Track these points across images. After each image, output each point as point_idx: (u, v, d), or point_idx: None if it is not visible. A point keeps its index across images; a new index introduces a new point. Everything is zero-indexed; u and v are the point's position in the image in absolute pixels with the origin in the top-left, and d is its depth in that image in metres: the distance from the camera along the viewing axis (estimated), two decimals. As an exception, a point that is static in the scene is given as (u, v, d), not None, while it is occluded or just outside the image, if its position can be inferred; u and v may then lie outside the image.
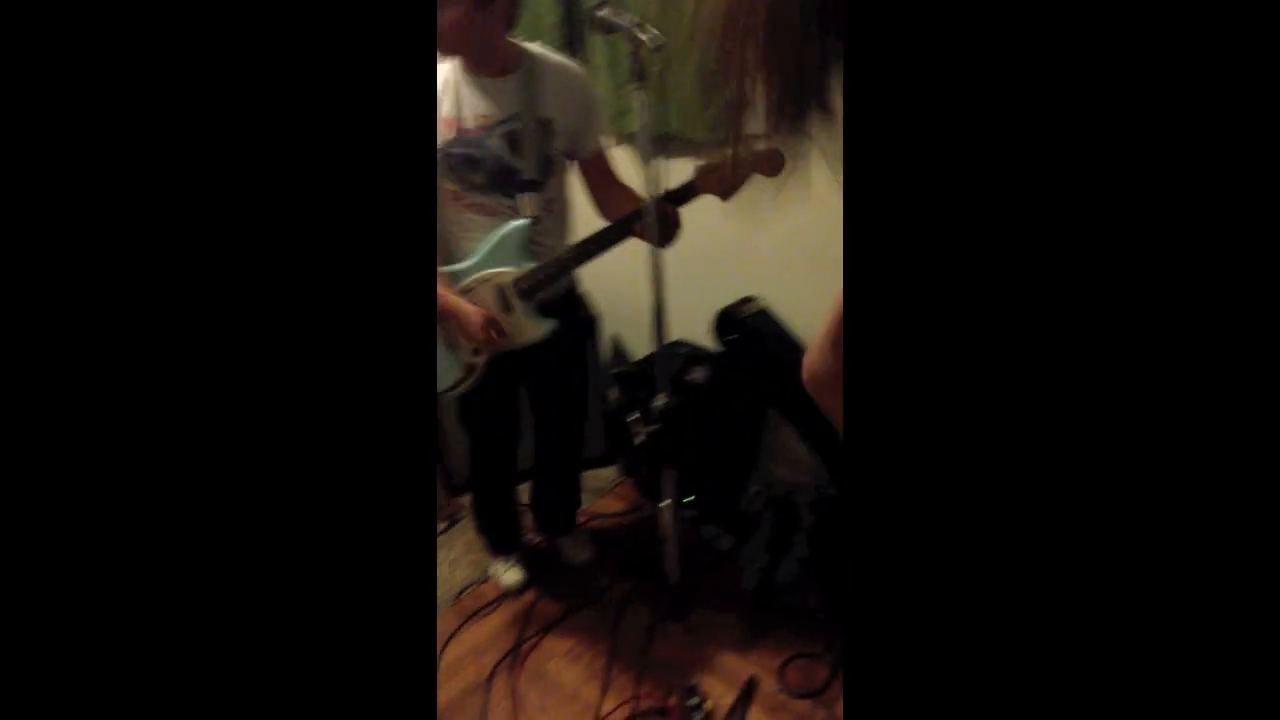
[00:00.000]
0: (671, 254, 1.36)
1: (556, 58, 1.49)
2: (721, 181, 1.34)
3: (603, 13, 1.16)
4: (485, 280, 1.50)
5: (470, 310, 1.48)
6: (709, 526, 2.03)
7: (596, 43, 2.17)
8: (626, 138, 2.23)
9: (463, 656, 1.78)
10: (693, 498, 2.03)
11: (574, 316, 1.70)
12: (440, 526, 2.23)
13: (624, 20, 1.14)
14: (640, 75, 1.14)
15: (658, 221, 1.27)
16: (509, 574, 1.96)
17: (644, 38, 1.11)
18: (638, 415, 1.59)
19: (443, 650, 1.80)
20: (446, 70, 1.44)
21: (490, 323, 1.49)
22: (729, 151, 1.27)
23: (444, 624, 1.88)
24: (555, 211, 1.55)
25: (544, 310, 1.55)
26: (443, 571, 2.07)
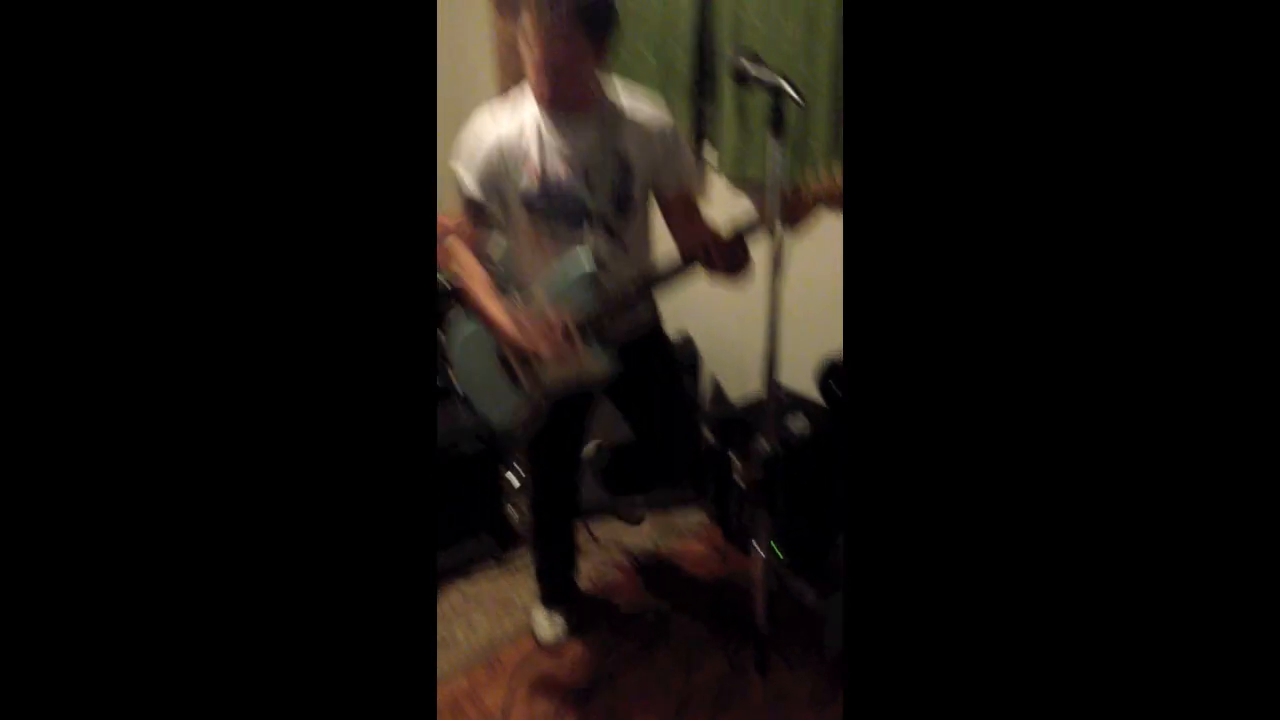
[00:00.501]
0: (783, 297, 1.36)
1: (639, 100, 1.49)
2: (790, 210, 1.33)
3: (746, 68, 1.20)
4: (549, 315, 1.52)
5: (529, 327, 1.47)
6: (796, 579, 1.97)
7: (726, 92, 2.22)
8: (745, 183, 2.26)
9: (536, 682, 1.78)
10: (781, 549, 1.98)
11: (658, 348, 1.71)
12: (524, 553, 2.25)
13: (771, 77, 1.17)
14: (779, 127, 1.17)
15: (726, 255, 1.33)
16: (549, 628, 1.92)
17: (793, 95, 1.14)
18: (736, 459, 1.58)
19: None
20: (525, 115, 1.46)
21: (550, 335, 1.46)
22: (802, 182, 1.32)
23: (521, 650, 1.89)
24: (631, 250, 1.54)
25: (622, 348, 1.55)
26: (524, 598, 2.08)
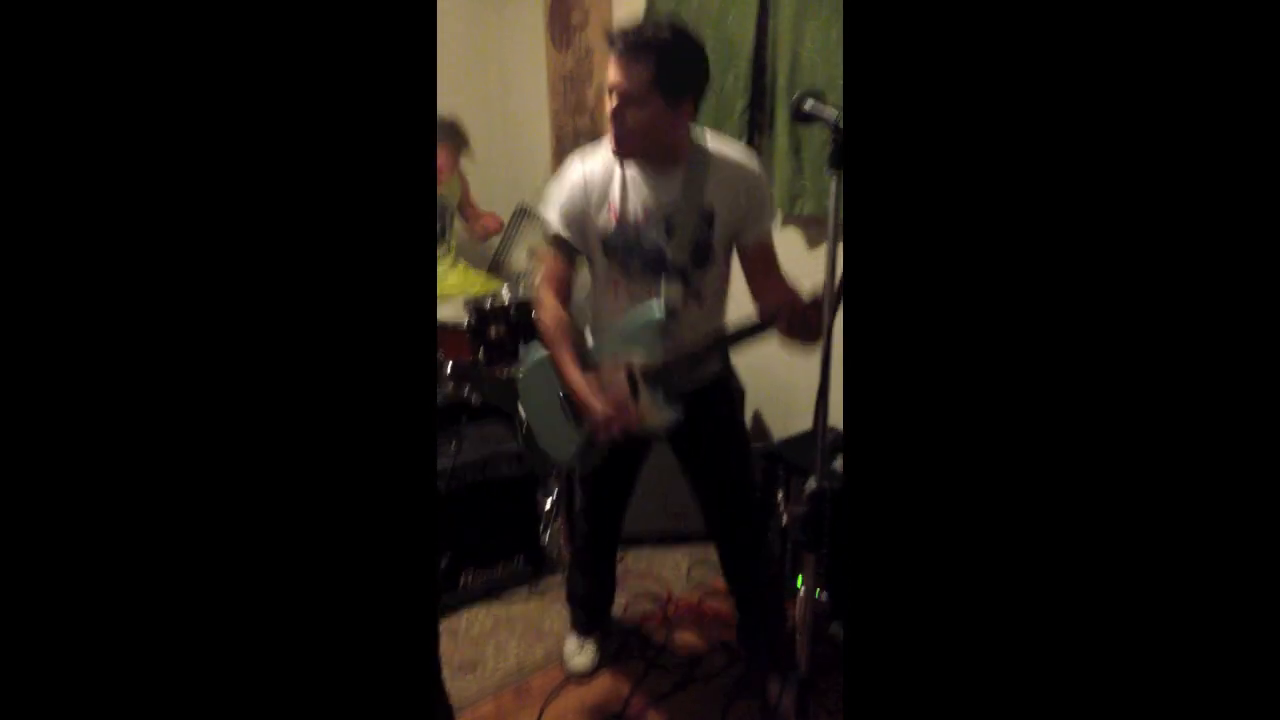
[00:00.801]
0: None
1: (730, 150, 1.49)
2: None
3: (808, 106, 1.21)
4: (615, 362, 1.51)
5: (595, 394, 1.48)
6: (840, 623, 1.92)
7: (781, 128, 2.23)
8: (794, 219, 2.26)
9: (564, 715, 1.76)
10: (824, 590, 1.94)
11: (724, 401, 1.66)
12: (558, 580, 2.24)
13: (832, 114, 1.17)
14: (839, 164, 1.16)
15: (801, 321, 1.31)
16: (580, 657, 1.89)
17: None
18: (782, 496, 1.55)
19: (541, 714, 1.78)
20: (611, 158, 1.47)
21: (614, 407, 1.47)
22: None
23: (551, 679, 1.87)
24: (706, 301, 1.53)
25: (685, 397, 1.52)
26: (556, 626, 2.06)
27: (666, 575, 2.24)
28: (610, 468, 1.67)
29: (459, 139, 2.81)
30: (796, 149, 2.19)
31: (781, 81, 2.19)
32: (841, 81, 2.01)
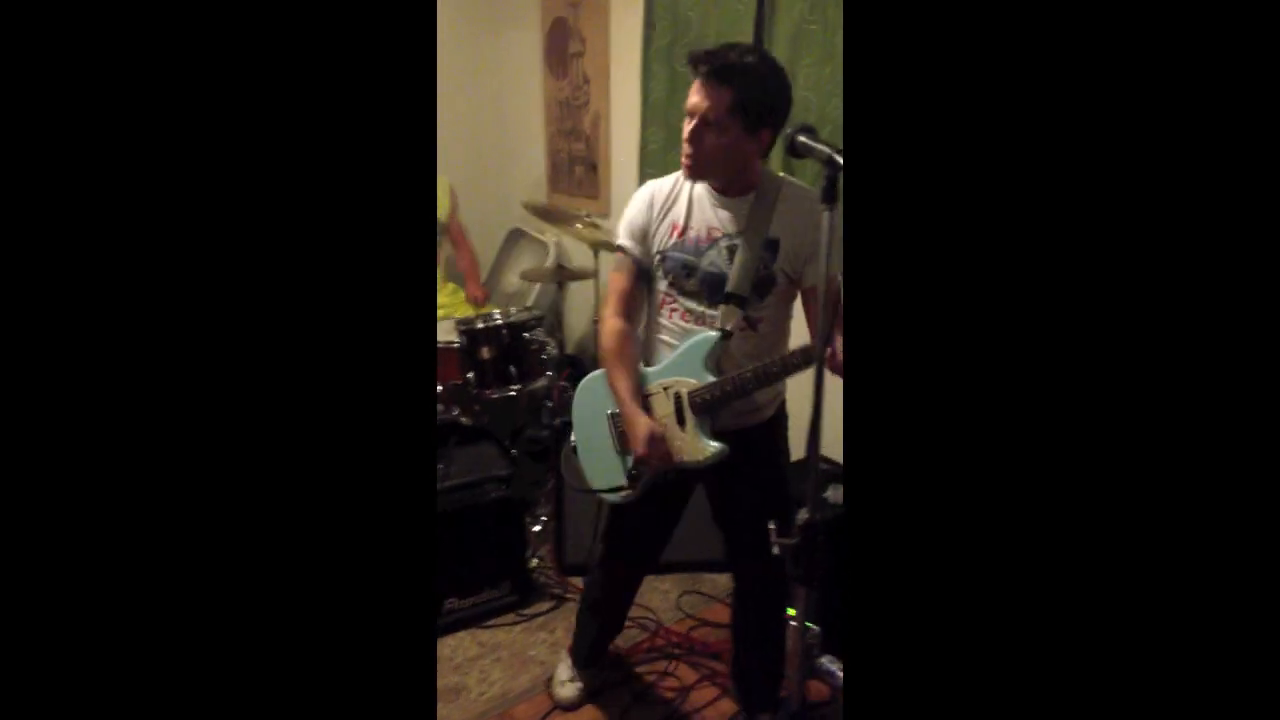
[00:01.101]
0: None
1: (801, 190, 1.47)
2: None
3: (802, 141, 1.21)
4: (666, 388, 1.48)
5: (641, 423, 1.44)
6: (828, 657, 1.91)
7: (775, 162, 2.26)
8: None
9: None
10: (816, 624, 1.92)
11: (770, 446, 1.60)
12: (546, 606, 2.21)
13: (824, 149, 1.18)
14: (831, 198, 1.17)
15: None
16: (569, 687, 1.85)
17: (841, 162, 1.13)
18: (774, 526, 1.54)
19: (532, 734, 1.75)
20: (684, 179, 1.46)
21: (655, 441, 1.43)
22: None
23: (536, 707, 1.84)
24: (762, 331, 1.48)
25: (731, 435, 1.47)
26: (542, 654, 2.04)
27: (655, 604, 2.22)
28: (651, 502, 1.58)
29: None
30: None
31: (776, 115, 2.23)
32: (833, 118, 2.05)
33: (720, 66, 1.31)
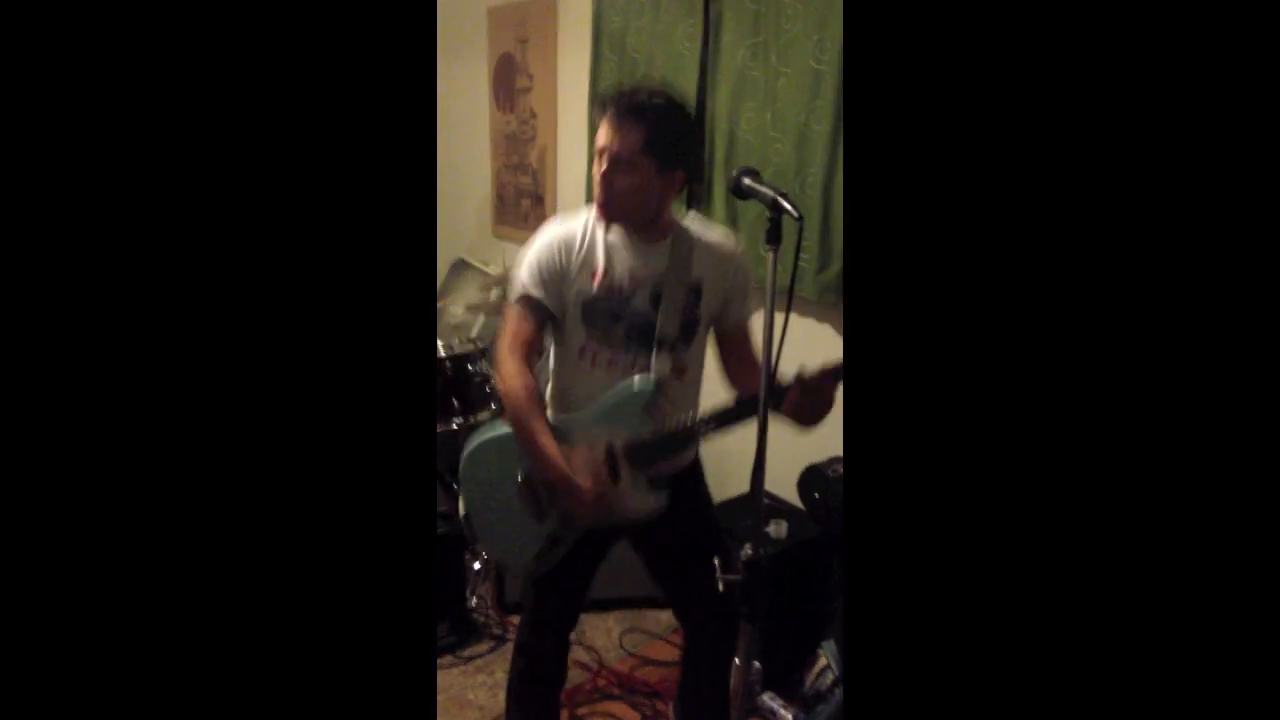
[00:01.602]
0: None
1: (712, 231, 1.47)
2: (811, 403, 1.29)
3: (746, 183, 1.24)
4: (595, 440, 1.37)
5: (581, 479, 1.33)
6: (770, 695, 1.90)
7: (718, 202, 2.31)
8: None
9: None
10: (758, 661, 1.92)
11: (697, 488, 1.56)
12: (485, 647, 2.16)
13: (768, 191, 1.20)
14: (776, 239, 1.20)
15: (808, 398, 1.26)
16: None
17: (789, 209, 1.16)
18: (716, 561, 1.54)
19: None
20: (595, 222, 1.42)
21: (601, 499, 1.34)
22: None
23: (475, 753, 1.78)
24: (689, 378, 1.46)
25: (666, 482, 1.41)
26: (481, 697, 1.98)
27: (598, 643, 2.18)
28: (570, 566, 1.48)
29: None
30: (734, 222, 2.27)
31: (720, 157, 2.28)
32: (775, 161, 2.11)
33: (630, 105, 1.30)
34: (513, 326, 1.42)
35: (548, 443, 1.35)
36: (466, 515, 1.50)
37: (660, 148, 1.32)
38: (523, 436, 1.38)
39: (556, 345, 1.49)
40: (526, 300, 1.41)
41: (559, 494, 1.37)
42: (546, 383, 1.52)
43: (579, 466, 1.35)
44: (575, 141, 2.89)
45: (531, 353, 1.41)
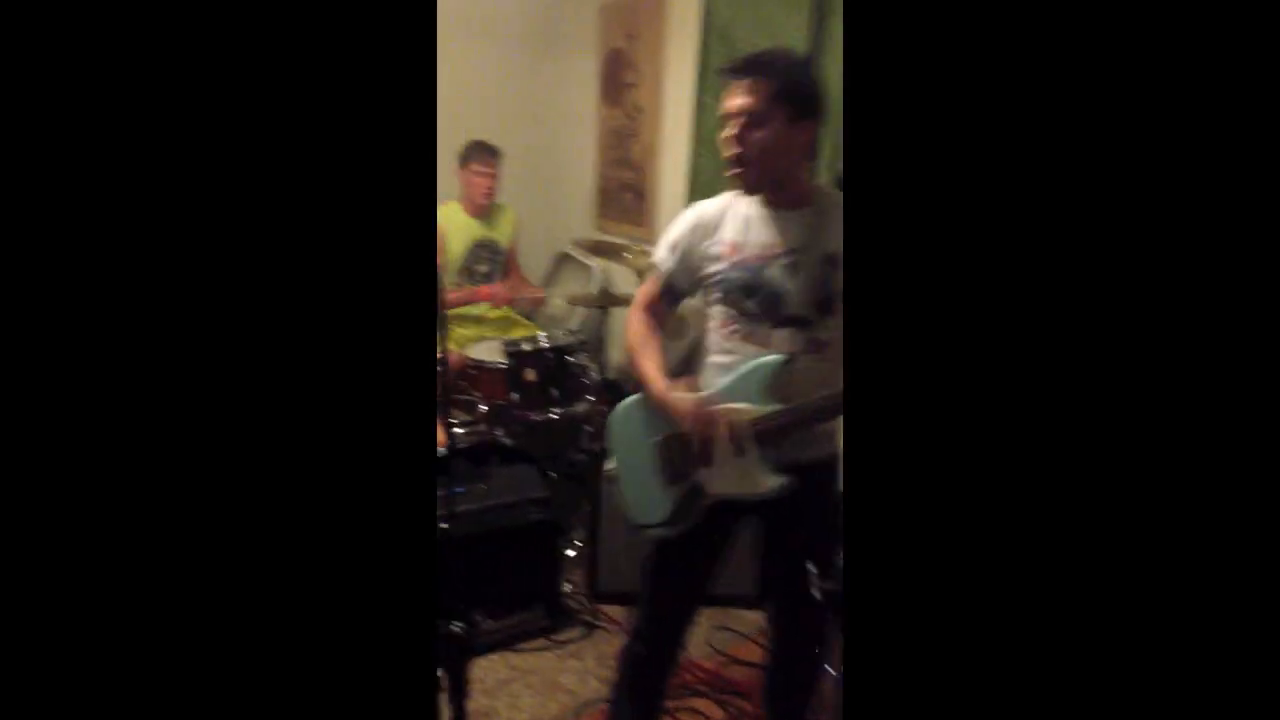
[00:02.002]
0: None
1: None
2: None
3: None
4: (722, 414, 1.36)
5: (677, 394, 1.37)
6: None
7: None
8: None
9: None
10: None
11: (826, 492, 1.48)
12: (577, 633, 2.21)
13: None
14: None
15: None
16: None
17: None
18: (812, 569, 1.51)
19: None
20: (735, 197, 1.41)
21: (701, 411, 1.35)
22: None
23: (565, 736, 1.83)
24: (828, 357, 1.37)
25: (793, 469, 1.36)
26: (571, 682, 2.02)
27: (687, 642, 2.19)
28: (699, 536, 1.46)
29: (492, 152, 2.75)
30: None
31: (826, 154, 2.23)
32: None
33: (756, 61, 1.31)
34: (642, 288, 1.53)
35: (650, 368, 1.44)
36: (616, 476, 1.57)
37: (789, 96, 1.29)
38: (635, 372, 1.46)
39: (709, 322, 1.47)
40: (656, 268, 1.50)
41: (685, 442, 1.40)
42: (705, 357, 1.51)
43: (694, 410, 1.37)
44: (678, 137, 2.89)
45: (654, 313, 1.50)
